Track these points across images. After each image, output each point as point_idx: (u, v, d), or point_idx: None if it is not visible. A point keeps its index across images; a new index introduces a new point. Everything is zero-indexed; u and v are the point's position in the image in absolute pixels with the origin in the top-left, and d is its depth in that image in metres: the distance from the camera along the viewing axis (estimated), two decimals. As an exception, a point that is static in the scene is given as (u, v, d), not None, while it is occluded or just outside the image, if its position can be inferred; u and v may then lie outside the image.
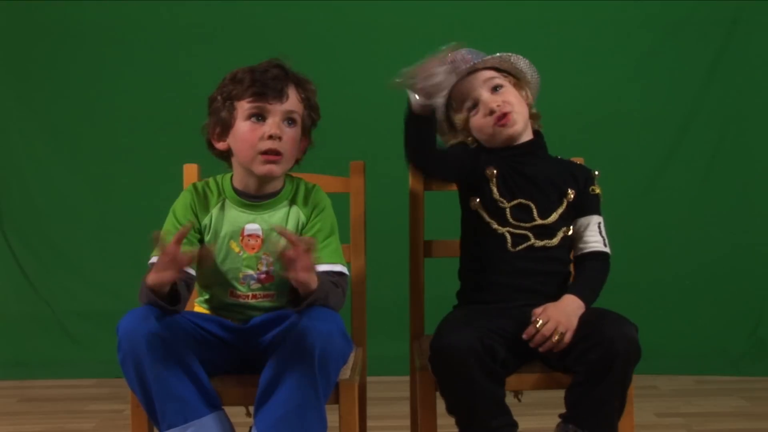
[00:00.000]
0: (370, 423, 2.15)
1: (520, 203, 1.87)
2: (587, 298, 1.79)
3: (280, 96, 1.74)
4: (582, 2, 3.68)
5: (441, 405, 1.72)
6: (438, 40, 3.74)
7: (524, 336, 1.73)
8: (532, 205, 1.87)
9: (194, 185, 1.85)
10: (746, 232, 3.67)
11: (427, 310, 2.10)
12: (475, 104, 1.92)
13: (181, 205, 1.81)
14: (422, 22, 3.70)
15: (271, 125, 1.74)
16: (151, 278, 1.60)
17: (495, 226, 1.87)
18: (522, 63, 1.95)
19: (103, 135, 3.75)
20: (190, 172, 2.04)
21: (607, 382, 1.65)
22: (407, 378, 2.10)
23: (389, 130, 3.61)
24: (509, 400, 1.72)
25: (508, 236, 1.86)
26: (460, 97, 1.93)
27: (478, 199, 1.89)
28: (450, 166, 1.92)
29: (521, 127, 1.91)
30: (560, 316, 1.73)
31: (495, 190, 1.88)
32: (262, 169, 1.75)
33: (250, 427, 1.65)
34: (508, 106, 1.88)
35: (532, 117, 1.97)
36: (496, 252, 1.86)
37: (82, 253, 3.76)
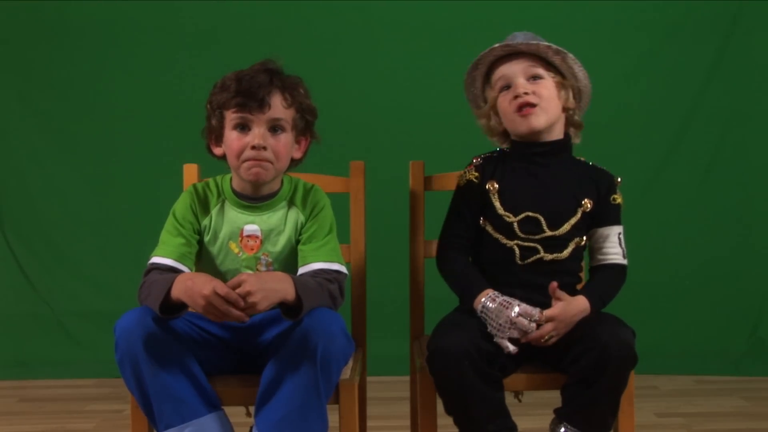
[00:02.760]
0: (370, 423, 2.15)
1: (527, 216, 1.82)
2: (596, 305, 1.78)
3: (262, 106, 1.73)
4: (582, 3, 3.68)
5: (441, 405, 1.73)
6: (437, 40, 3.76)
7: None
8: (541, 218, 1.82)
9: (194, 186, 1.85)
10: (746, 232, 3.67)
11: (427, 310, 2.10)
12: (508, 86, 1.86)
13: (181, 206, 1.81)
14: (422, 22, 3.70)
15: (255, 135, 1.73)
16: (184, 296, 1.57)
17: (504, 240, 1.84)
18: (577, 67, 1.87)
19: (103, 135, 3.75)
20: (190, 171, 2.04)
21: (599, 385, 1.66)
22: (407, 378, 2.11)
23: (389, 130, 3.67)
24: (510, 400, 1.72)
25: (517, 249, 1.82)
26: (498, 75, 1.88)
27: (483, 218, 1.87)
28: (471, 236, 1.90)
29: (543, 124, 1.84)
30: (563, 325, 1.72)
31: (498, 204, 1.85)
32: (248, 174, 1.75)
33: (251, 427, 1.65)
34: (534, 98, 1.82)
35: (574, 124, 1.92)
36: (503, 264, 1.84)
37: (82, 253, 3.76)
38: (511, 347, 1.69)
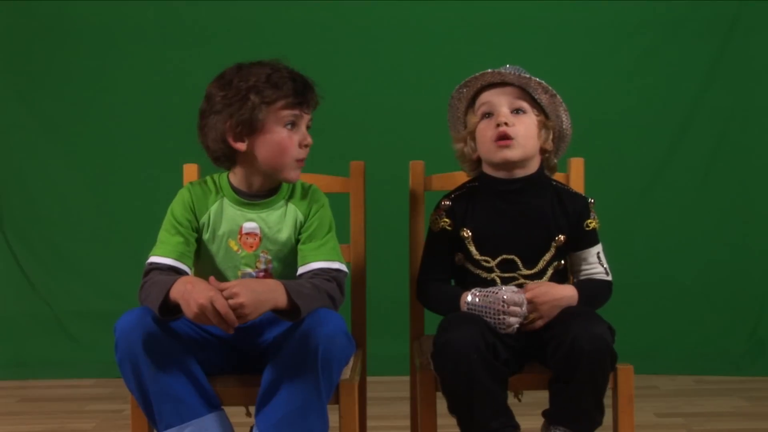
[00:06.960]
0: (370, 423, 2.15)
1: (503, 259, 1.84)
2: (583, 294, 1.78)
3: (310, 106, 1.77)
4: (581, 2, 3.68)
5: (441, 405, 1.72)
6: (437, 40, 3.76)
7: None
8: (516, 259, 1.84)
9: (191, 184, 1.84)
10: (746, 232, 3.67)
11: (427, 310, 2.10)
12: (490, 113, 1.86)
13: (179, 204, 1.80)
14: (422, 22, 3.70)
15: (305, 134, 1.77)
16: (180, 299, 1.57)
17: (484, 275, 1.86)
18: (562, 110, 1.87)
19: (103, 135, 3.75)
20: (190, 171, 2.04)
21: (576, 381, 1.66)
22: (407, 378, 2.11)
23: (389, 130, 3.67)
24: (509, 400, 1.72)
25: (498, 279, 1.85)
26: (483, 101, 1.88)
27: (460, 255, 1.88)
28: (449, 273, 1.92)
29: (518, 157, 1.83)
30: (548, 307, 1.73)
31: (474, 250, 1.86)
32: (294, 174, 1.77)
33: (251, 427, 1.65)
34: (513, 131, 1.82)
35: (549, 167, 1.92)
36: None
37: (82, 253, 3.76)
38: (515, 324, 1.70)
